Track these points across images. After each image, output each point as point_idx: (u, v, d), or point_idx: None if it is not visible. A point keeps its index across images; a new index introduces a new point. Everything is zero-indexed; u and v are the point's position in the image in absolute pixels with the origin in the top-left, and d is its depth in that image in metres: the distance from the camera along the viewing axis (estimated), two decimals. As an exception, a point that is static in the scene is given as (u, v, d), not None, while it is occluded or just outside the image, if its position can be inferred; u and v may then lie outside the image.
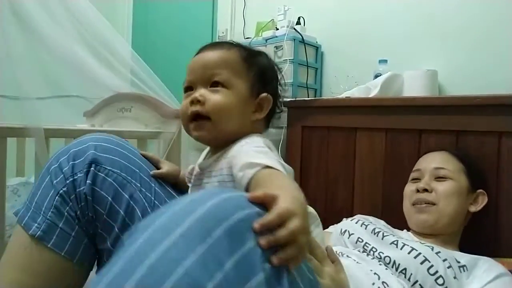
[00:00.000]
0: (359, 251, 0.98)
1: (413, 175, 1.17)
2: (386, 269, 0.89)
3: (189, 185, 0.79)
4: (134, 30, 2.99)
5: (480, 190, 1.11)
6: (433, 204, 1.05)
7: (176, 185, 0.88)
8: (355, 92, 1.52)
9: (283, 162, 0.63)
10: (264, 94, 0.75)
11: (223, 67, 0.72)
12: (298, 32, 1.81)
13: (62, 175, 0.73)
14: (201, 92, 0.72)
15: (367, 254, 0.95)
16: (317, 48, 1.91)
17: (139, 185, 0.78)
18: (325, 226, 1.47)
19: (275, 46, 1.84)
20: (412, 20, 1.65)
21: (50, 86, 1.81)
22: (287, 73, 1.77)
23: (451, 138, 1.26)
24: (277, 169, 0.59)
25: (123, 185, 0.76)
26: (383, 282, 0.83)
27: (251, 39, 1.94)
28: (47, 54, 1.58)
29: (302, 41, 1.81)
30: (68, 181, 0.73)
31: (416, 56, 1.62)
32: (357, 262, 0.90)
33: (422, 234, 1.07)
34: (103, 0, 2.00)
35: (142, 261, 0.41)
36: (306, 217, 0.47)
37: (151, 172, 0.82)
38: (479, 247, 1.09)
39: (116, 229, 0.74)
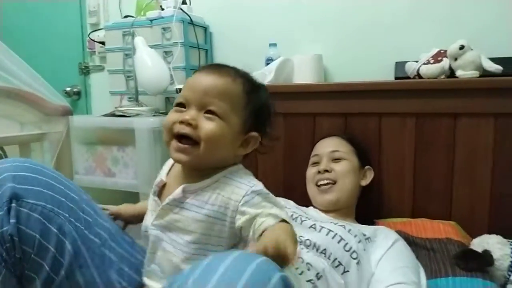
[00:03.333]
0: None
1: (312, 159, 1.29)
2: (308, 251, 0.97)
3: (155, 198, 0.76)
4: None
5: (368, 167, 1.28)
6: (334, 182, 1.19)
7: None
8: (252, 78, 1.55)
9: (285, 209, 0.70)
10: (254, 133, 0.75)
11: (223, 99, 0.70)
12: (186, 13, 1.74)
13: None
14: (193, 115, 0.70)
15: None
16: (205, 28, 1.87)
17: (67, 215, 0.73)
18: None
19: (163, 28, 1.74)
20: (297, 4, 1.73)
21: None
22: (178, 57, 1.71)
23: (340, 121, 1.41)
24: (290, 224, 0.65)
25: (50, 218, 0.71)
26: (307, 264, 0.91)
27: (133, 18, 1.79)
28: None
29: (191, 23, 1.75)
30: None
31: (303, 40, 1.72)
32: None
33: (326, 210, 1.20)
34: None
35: None
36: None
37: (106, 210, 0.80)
38: (368, 212, 1.28)
39: (46, 268, 0.70)
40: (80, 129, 1.62)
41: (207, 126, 0.69)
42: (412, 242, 1.14)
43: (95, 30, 2.07)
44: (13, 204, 0.68)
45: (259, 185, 0.71)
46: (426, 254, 1.09)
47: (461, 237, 1.15)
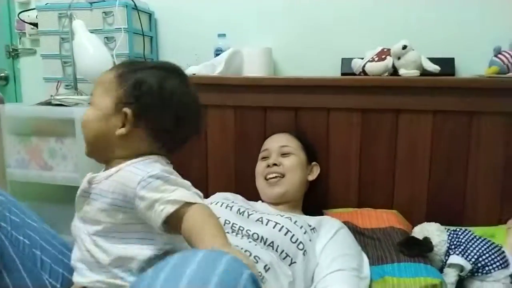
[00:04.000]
0: (228, 232, 1.04)
1: (262, 154, 1.31)
2: (256, 244, 0.98)
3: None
4: None
5: (314, 163, 1.33)
6: (282, 175, 1.21)
7: None
8: (201, 69, 1.52)
9: (194, 189, 0.70)
10: (124, 109, 0.73)
11: (97, 87, 0.77)
12: (130, -3, 1.65)
13: None
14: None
15: (236, 234, 1.03)
16: (150, 14, 1.79)
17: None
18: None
19: (104, 12, 1.63)
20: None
21: None
22: (122, 43, 1.62)
23: (290, 114, 1.44)
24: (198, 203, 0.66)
25: None
26: (255, 257, 0.92)
27: (71, 0, 1.66)
28: None
29: (135, 8, 1.66)
30: None
31: (253, 32, 1.71)
32: None
33: (274, 203, 1.22)
34: None
35: None
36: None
37: None
38: (316, 203, 1.33)
39: None
40: (12, 119, 1.47)
41: (84, 115, 0.76)
42: (359, 232, 1.21)
43: (26, 10, 1.88)
44: None
45: (156, 170, 0.70)
46: (372, 243, 1.16)
47: (403, 225, 1.23)
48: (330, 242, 1.04)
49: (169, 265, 0.52)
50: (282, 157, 1.25)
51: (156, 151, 0.76)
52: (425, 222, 1.19)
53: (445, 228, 1.14)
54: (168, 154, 0.79)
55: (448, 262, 1.08)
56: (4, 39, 2.01)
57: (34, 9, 1.81)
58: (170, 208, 0.64)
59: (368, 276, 1.02)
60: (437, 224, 1.15)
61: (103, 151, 0.75)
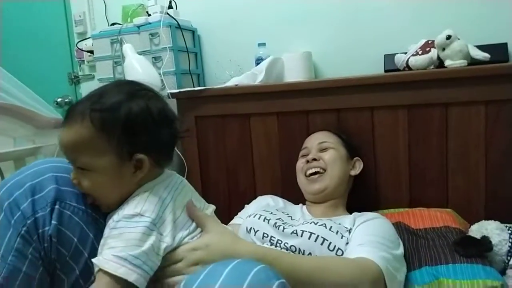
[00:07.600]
0: (267, 244, 1.05)
1: (302, 152, 1.31)
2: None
3: None
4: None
5: (356, 158, 1.30)
6: (323, 170, 1.20)
7: None
8: (243, 79, 1.56)
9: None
10: (138, 156, 0.70)
11: (78, 152, 0.70)
12: (173, 18, 1.74)
13: (20, 213, 0.69)
14: (74, 175, 0.73)
15: (275, 246, 1.03)
16: (193, 32, 1.87)
17: (103, 221, 0.74)
18: (230, 210, 1.54)
19: (150, 34, 1.74)
20: (283, 2, 1.73)
21: None
22: (168, 62, 1.71)
23: (333, 116, 1.42)
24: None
25: (89, 223, 0.74)
26: None
27: (120, 26, 1.79)
28: None
29: (179, 27, 1.75)
30: (29, 221, 0.69)
31: (291, 38, 1.73)
32: None
33: (316, 202, 1.21)
34: None
35: None
36: None
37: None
38: (364, 204, 1.29)
39: (77, 272, 0.73)
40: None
41: (85, 184, 0.72)
42: (412, 233, 1.16)
43: (83, 40, 2.05)
44: (57, 206, 0.71)
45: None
46: (426, 244, 1.10)
47: (459, 224, 1.16)
48: (360, 226, 1.01)
49: (204, 271, 0.57)
50: (321, 152, 1.24)
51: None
52: (484, 220, 1.12)
53: (506, 226, 1.06)
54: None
55: (511, 263, 1.00)
56: (66, 67, 2.21)
57: (89, 38, 1.98)
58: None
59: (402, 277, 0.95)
60: (497, 222, 1.07)
61: (119, 202, 0.72)
